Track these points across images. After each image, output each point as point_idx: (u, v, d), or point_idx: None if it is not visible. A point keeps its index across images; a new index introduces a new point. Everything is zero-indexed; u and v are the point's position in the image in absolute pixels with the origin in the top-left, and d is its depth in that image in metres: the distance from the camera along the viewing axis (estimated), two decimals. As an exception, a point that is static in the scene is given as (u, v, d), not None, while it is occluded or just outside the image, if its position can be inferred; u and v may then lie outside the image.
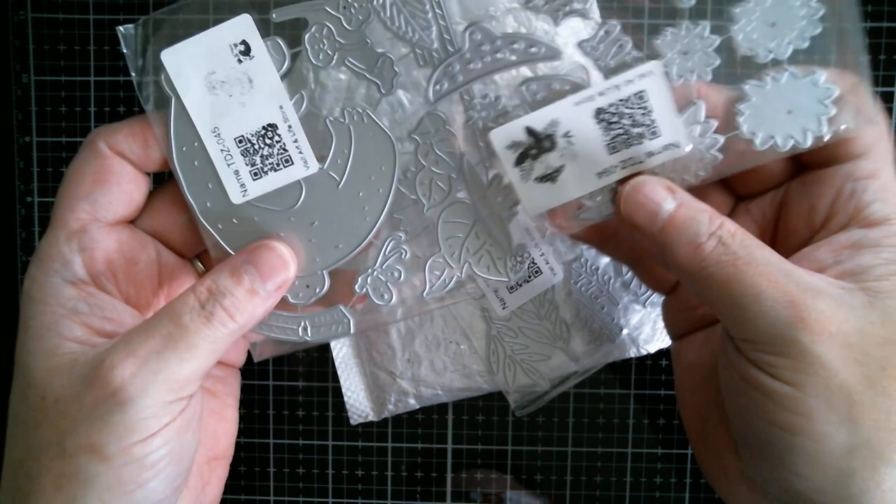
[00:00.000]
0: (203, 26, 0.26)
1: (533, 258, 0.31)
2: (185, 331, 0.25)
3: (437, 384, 0.35)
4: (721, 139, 0.25)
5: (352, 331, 0.28)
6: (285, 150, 0.27)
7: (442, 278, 0.28)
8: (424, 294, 0.28)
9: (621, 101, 0.26)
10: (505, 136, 0.27)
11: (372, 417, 0.36)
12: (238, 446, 0.38)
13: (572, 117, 0.26)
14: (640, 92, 0.26)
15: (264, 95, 0.26)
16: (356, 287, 0.28)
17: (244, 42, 0.26)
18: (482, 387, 0.35)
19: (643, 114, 0.26)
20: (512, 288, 0.31)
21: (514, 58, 0.27)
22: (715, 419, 0.26)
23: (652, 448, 0.38)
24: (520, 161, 0.27)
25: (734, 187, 0.28)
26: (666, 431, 0.38)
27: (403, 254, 0.28)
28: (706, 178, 0.26)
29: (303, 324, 0.28)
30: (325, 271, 0.28)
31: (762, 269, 0.23)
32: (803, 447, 0.22)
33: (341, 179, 0.27)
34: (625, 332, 0.36)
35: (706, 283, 0.23)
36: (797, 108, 0.25)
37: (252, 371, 0.38)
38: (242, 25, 0.26)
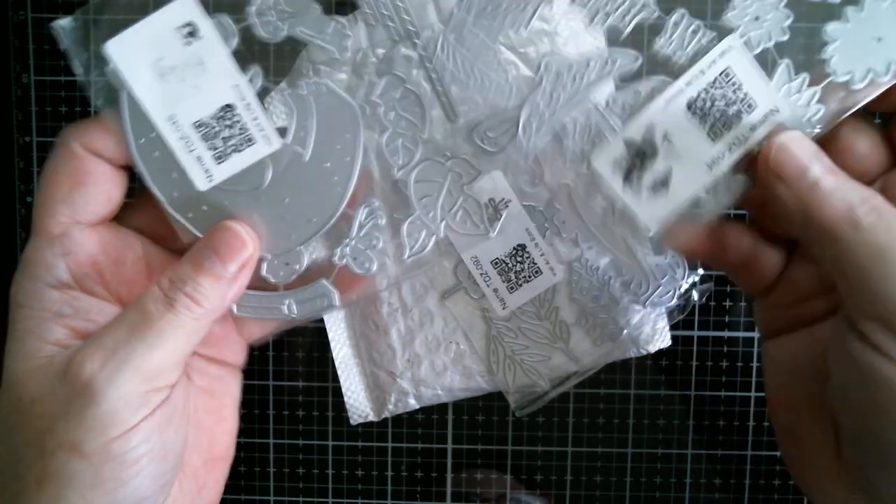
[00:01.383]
0: (145, 12, 0.25)
1: (533, 258, 0.31)
2: (149, 318, 0.24)
3: (437, 384, 0.35)
4: (817, 90, 0.25)
5: (336, 304, 0.27)
6: (246, 130, 0.26)
7: (420, 240, 0.28)
8: (405, 257, 0.28)
9: (709, 85, 0.26)
10: (606, 157, 0.26)
11: (372, 417, 0.36)
12: (238, 446, 0.38)
13: (666, 117, 0.26)
14: (725, 70, 0.25)
15: (217, 76, 0.25)
16: (335, 259, 0.27)
17: (190, 23, 0.25)
18: (482, 387, 0.35)
19: (734, 90, 0.26)
20: (512, 288, 0.31)
21: (593, 76, 0.27)
22: (810, 418, 0.26)
23: (652, 448, 0.38)
24: (627, 178, 0.27)
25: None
26: (666, 431, 0.38)
27: (379, 219, 0.27)
28: (817, 135, 0.25)
29: (287, 302, 0.27)
30: (302, 247, 0.27)
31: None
32: None
33: (307, 152, 0.26)
34: (625, 332, 0.36)
35: (853, 248, 0.22)
36: (886, 33, 0.24)
37: (252, 371, 0.38)
38: (185, 7, 0.25)
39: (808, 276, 0.27)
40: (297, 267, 0.27)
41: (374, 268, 0.27)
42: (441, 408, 0.38)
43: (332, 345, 0.36)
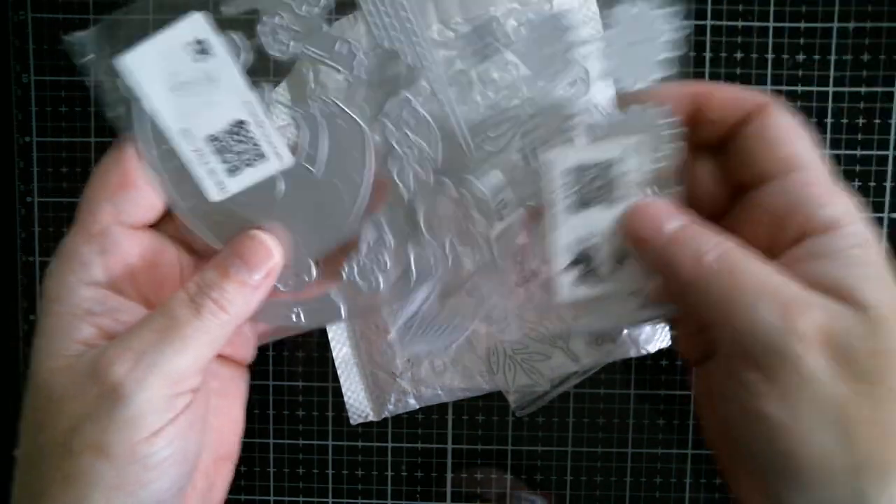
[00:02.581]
0: (158, 27, 0.26)
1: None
2: (176, 323, 0.25)
3: (437, 384, 0.35)
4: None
5: (342, 316, 0.28)
6: (257, 145, 0.27)
7: (426, 262, 0.28)
8: (411, 284, 0.28)
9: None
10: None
11: (372, 417, 0.36)
12: (238, 446, 0.38)
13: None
14: None
15: (229, 92, 0.26)
16: (343, 274, 0.28)
17: (199, 41, 0.26)
18: (482, 387, 0.35)
19: None
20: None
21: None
22: (729, 443, 0.26)
23: (652, 448, 0.38)
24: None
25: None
26: (666, 431, 0.38)
27: (388, 240, 0.28)
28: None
29: (295, 310, 0.28)
30: (311, 260, 0.28)
31: (757, 281, 0.23)
32: (808, 471, 0.22)
33: (316, 170, 0.27)
34: (625, 332, 0.36)
35: (705, 294, 0.24)
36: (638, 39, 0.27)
37: (252, 371, 0.38)
38: (195, 24, 0.25)
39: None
40: (307, 278, 0.28)
41: (381, 286, 0.28)
42: (441, 408, 0.38)
43: (332, 345, 0.36)
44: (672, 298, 0.29)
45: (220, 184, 0.27)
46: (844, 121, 0.36)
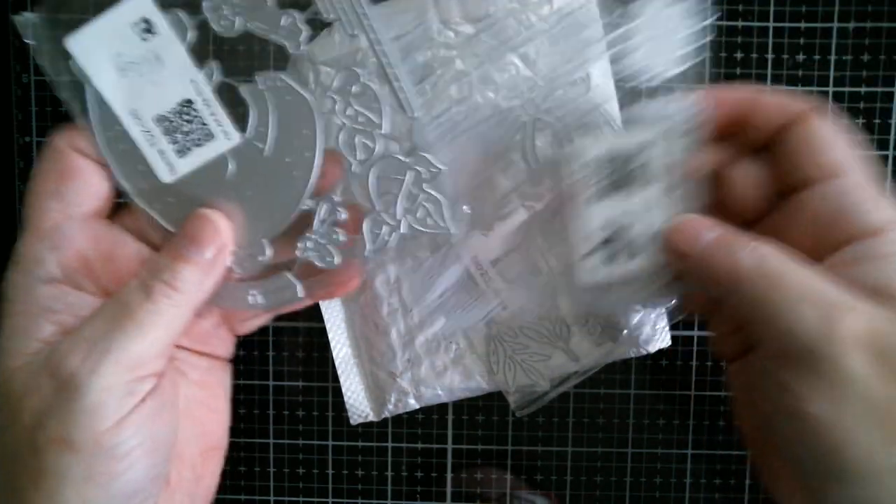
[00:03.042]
0: (104, 8, 0.25)
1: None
2: (128, 309, 0.25)
3: (437, 384, 0.35)
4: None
5: (299, 295, 0.28)
6: (205, 125, 0.26)
7: (381, 235, 0.28)
8: (365, 252, 0.28)
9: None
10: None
11: (372, 417, 0.36)
12: (238, 446, 0.38)
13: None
14: None
15: (175, 72, 0.26)
16: (297, 252, 0.27)
17: (145, 20, 0.25)
18: (482, 387, 0.35)
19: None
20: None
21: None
22: (764, 441, 0.26)
23: (652, 448, 0.38)
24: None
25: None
26: (666, 431, 0.38)
27: (339, 215, 0.27)
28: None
29: (252, 292, 0.28)
30: (265, 240, 0.27)
31: (796, 283, 0.23)
32: (852, 470, 0.22)
33: (266, 147, 0.27)
34: (625, 332, 0.36)
35: (743, 297, 0.24)
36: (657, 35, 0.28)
37: (252, 371, 0.38)
38: (141, 3, 0.25)
39: None
40: (261, 258, 0.27)
41: (336, 261, 0.27)
42: (441, 408, 0.38)
43: (332, 345, 0.36)
44: (712, 307, 0.29)
45: (170, 165, 0.26)
46: (844, 121, 0.36)
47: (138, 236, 0.28)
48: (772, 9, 0.36)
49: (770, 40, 0.36)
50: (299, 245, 0.27)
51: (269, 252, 0.27)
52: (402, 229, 0.28)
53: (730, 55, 0.36)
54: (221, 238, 0.27)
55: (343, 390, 0.36)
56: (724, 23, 0.36)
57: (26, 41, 0.26)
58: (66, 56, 0.26)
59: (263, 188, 0.27)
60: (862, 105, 0.36)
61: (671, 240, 0.27)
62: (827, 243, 0.25)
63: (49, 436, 0.24)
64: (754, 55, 0.36)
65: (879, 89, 0.36)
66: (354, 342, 0.36)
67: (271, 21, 0.26)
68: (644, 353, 0.36)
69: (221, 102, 0.26)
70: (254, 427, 0.38)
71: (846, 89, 0.36)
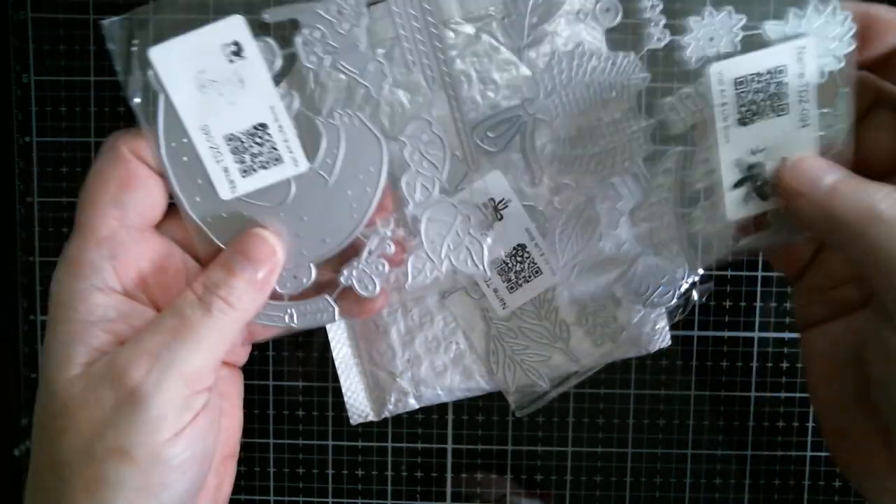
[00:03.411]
0: (188, 24, 0.26)
1: (533, 258, 0.31)
2: (188, 322, 0.25)
3: (437, 384, 0.35)
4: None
5: (336, 318, 0.29)
6: (275, 149, 0.27)
7: (423, 272, 0.30)
8: (407, 286, 0.30)
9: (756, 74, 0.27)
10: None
11: (372, 417, 0.36)
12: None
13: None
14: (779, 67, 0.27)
15: (255, 95, 0.26)
16: (341, 279, 0.28)
17: (236, 42, 0.26)
18: (482, 387, 0.35)
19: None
20: (512, 288, 0.32)
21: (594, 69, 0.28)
22: (854, 411, 0.26)
23: (652, 448, 0.38)
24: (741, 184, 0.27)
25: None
26: (666, 431, 0.38)
27: (388, 248, 0.28)
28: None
29: (289, 311, 0.29)
30: (311, 264, 0.28)
31: None
32: None
33: (331, 178, 0.27)
34: (625, 332, 0.36)
35: (879, 242, 0.23)
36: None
37: (252, 371, 0.38)
38: (234, 26, 0.26)
39: (839, 261, 0.28)
40: (305, 280, 0.28)
41: (377, 291, 0.29)
42: (441, 408, 0.38)
43: (332, 345, 0.36)
44: (809, 261, 0.28)
45: (231, 183, 0.27)
46: None
47: (182, 246, 0.28)
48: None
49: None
50: (344, 272, 0.28)
51: (314, 275, 0.28)
52: (444, 268, 0.30)
53: (730, 55, 0.36)
54: (276, 258, 0.27)
55: (343, 390, 0.36)
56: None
57: (108, 47, 0.27)
58: (144, 64, 0.26)
59: (319, 216, 0.28)
60: (862, 105, 0.36)
61: (787, 180, 0.26)
62: None
63: (108, 446, 0.24)
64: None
65: (879, 89, 0.36)
66: (354, 342, 0.36)
67: (360, 64, 0.27)
68: (644, 353, 0.36)
69: (296, 130, 0.27)
70: (254, 427, 0.38)
71: (846, 89, 0.36)
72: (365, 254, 0.28)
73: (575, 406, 0.38)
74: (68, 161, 0.37)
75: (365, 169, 0.28)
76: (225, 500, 0.31)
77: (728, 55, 0.26)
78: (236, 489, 0.38)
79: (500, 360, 0.35)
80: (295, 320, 0.29)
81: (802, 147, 0.26)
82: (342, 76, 0.28)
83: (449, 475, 0.38)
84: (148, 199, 0.27)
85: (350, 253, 0.29)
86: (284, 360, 0.38)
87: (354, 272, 0.28)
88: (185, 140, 0.26)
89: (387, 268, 0.29)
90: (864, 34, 0.26)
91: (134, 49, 0.26)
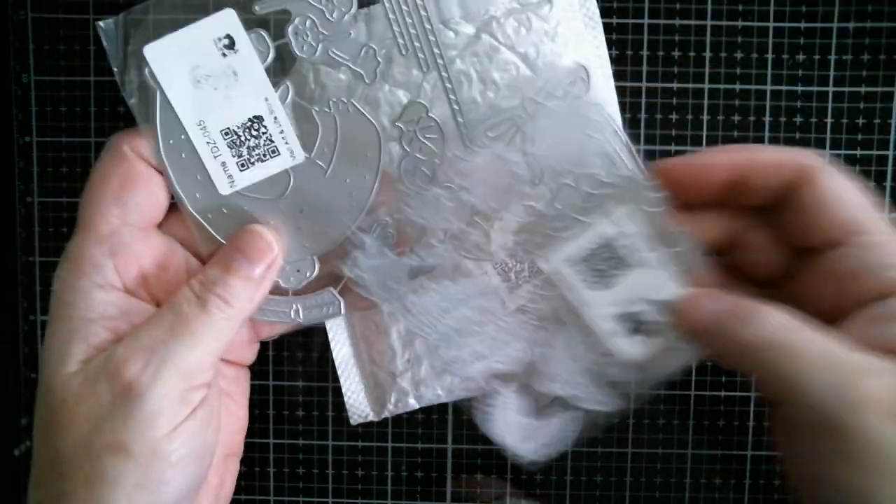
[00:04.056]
0: (179, 23, 0.26)
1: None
2: (185, 319, 0.25)
3: (437, 384, 0.35)
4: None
5: (342, 311, 0.29)
6: (272, 142, 0.27)
7: (427, 259, 0.29)
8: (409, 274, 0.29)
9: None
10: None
11: (372, 417, 0.36)
12: (238, 446, 0.38)
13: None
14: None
15: (249, 88, 0.26)
16: (345, 270, 0.28)
17: (228, 36, 0.26)
18: (482, 387, 0.35)
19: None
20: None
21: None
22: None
23: (652, 448, 0.38)
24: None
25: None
26: (666, 431, 0.38)
27: (391, 238, 0.28)
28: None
29: (294, 306, 0.29)
30: (314, 256, 0.28)
31: (812, 351, 0.22)
32: None
33: (328, 168, 0.27)
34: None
35: (759, 370, 0.23)
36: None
37: (252, 371, 0.38)
38: (227, 20, 0.26)
39: None
40: (308, 274, 0.28)
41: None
42: (441, 408, 0.38)
43: (332, 345, 0.36)
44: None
45: (230, 177, 0.27)
46: (844, 121, 0.36)
47: (184, 244, 0.28)
48: (772, 9, 0.36)
49: (770, 40, 0.36)
50: (347, 263, 0.28)
51: (317, 269, 0.28)
52: (447, 254, 0.29)
53: (730, 55, 0.36)
54: (272, 254, 0.27)
55: (343, 390, 0.36)
56: (724, 23, 0.36)
57: (104, 45, 0.27)
58: (140, 63, 0.26)
59: (320, 206, 0.28)
60: (862, 105, 0.36)
61: (678, 316, 0.26)
62: (849, 302, 0.24)
63: (105, 441, 0.24)
64: (754, 55, 0.36)
65: (879, 89, 0.36)
66: (354, 342, 0.36)
67: (352, 51, 0.27)
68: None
69: (292, 121, 0.27)
70: (254, 427, 0.38)
71: (846, 89, 0.36)
72: (367, 242, 0.28)
73: (575, 406, 0.38)
74: (68, 161, 0.37)
75: (361, 156, 0.27)
76: (227, 498, 0.31)
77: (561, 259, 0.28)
78: (236, 489, 0.38)
79: (500, 360, 0.35)
80: (301, 315, 0.28)
81: (668, 284, 0.27)
82: (342, 76, 0.28)
83: (449, 475, 0.38)
84: (149, 197, 0.27)
85: (352, 244, 0.28)
86: (284, 360, 0.38)
87: (358, 264, 0.28)
88: (182, 136, 0.27)
89: (389, 257, 0.28)
90: (742, 181, 0.26)
91: (130, 48, 0.27)
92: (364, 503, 0.39)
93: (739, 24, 0.36)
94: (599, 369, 0.29)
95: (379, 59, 0.27)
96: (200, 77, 0.26)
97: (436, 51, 0.28)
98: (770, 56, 0.36)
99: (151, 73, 0.26)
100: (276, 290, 0.28)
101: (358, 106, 0.27)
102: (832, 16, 0.36)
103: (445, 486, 0.38)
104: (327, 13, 0.27)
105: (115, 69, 0.27)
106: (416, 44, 0.28)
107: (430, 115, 0.28)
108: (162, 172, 0.27)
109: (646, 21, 0.36)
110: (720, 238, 0.28)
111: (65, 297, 0.26)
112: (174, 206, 0.28)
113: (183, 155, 0.27)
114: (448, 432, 0.38)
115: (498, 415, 0.30)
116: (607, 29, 0.34)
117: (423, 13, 0.28)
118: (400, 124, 0.28)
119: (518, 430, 0.31)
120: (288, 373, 0.38)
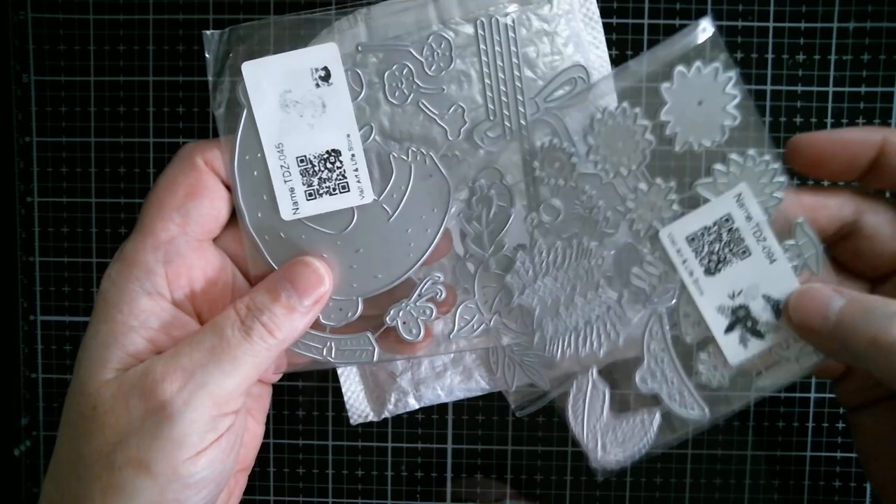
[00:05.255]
0: (280, 44, 0.27)
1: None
2: (227, 344, 0.25)
3: (437, 384, 0.35)
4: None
5: (375, 359, 0.28)
6: (344, 177, 0.27)
7: (471, 323, 0.29)
8: (451, 335, 0.29)
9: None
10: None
11: (372, 417, 0.36)
12: (238, 446, 0.38)
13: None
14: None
15: (334, 121, 0.27)
16: (387, 318, 0.28)
17: (325, 69, 0.27)
18: (482, 387, 0.35)
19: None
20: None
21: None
22: None
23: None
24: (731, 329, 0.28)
25: (866, 271, 0.28)
26: (666, 431, 0.38)
27: (439, 294, 0.28)
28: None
29: (329, 344, 0.28)
30: (360, 298, 0.28)
31: None
32: None
33: (393, 213, 0.28)
34: (626, 332, 0.35)
35: (886, 369, 0.23)
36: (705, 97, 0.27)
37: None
38: (328, 53, 0.27)
39: None
40: (350, 315, 0.28)
41: (421, 335, 0.28)
42: (441, 408, 0.38)
43: (332, 345, 0.36)
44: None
45: (295, 204, 0.27)
46: (844, 121, 0.36)
47: (234, 260, 0.28)
48: (772, 9, 0.36)
49: (770, 40, 0.36)
50: (391, 311, 0.28)
51: (360, 310, 0.28)
52: (491, 324, 0.29)
53: (730, 55, 0.36)
54: (323, 290, 0.27)
55: (343, 390, 0.36)
56: (724, 23, 0.36)
57: (206, 54, 0.27)
58: (235, 77, 0.27)
59: (376, 250, 0.28)
60: (862, 105, 0.36)
61: (796, 317, 0.26)
62: None
63: (129, 456, 0.24)
64: (754, 55, 0.36)
65: (879, 89, 0.36)
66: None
67: (442, 106, 0.28)
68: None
69: (368, 162, 0.27)
70: (254, 427, 0.38)
71: (846, 89, 0.36)
72: (415, 295, 0.28)
73: (575, 406, 0.38)
74: (68, 161, 0.37)
75: (428, 209, 0.28)
76: None
77: (673, 217, 0.27)
78: (236, 489, 0.38)
79: (500, 360, 0.35)
80: (333, 355, 0.28)
81: (779, 281, 0.27)
82: (426, 128, 0.28)
83: (449, 475, 0.38)
84: (212, 209, 0.27)
85: (399, 293, 0.28)
86: (284, 360, 0.38)
87: (401, 313, 0.28)
88: (258, 155, 0.27)
89: (434, 313, 0.28)
90: (881, 159, 0.26)
91: (229, 62, 0.27)
92: (364, 503, 0.39)
93: (739, 24, 0.36)
94: (698, 370, 0.28)
95: (466, 119, 0.28)
96: (289, 102, 0.27)
97: (522, 122, 0.28)
98: (770, 56, 0.36)
99: (244, 88, 0.26)
100: (315, 325, 0.28)
101: (435, 159, 0.27)
102: (832, 16, 0.36)
103: (445, 486, 0.38)
104: (426, 66, 0.27)
105: (210, 78, 0.27)
106: (505, 112, 0.28)
107: (503, 182, 0.28)
108: (229, 187, 0.27)
109: (646, 21, 0.36)
110: (842, 222, 0.27)
111: (111, 298, 0.26)
112: (231, 222, 0.28)
113: (255, 173, 0.27)
114: (448, 432, 0.38)
115: (589, 407, 0.30)
116: (607, 29, 0.34)
117: (517, 84, 0.28)
118: (473, 186, 0.28)
119: (603, 427, 0.30)
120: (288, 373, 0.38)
